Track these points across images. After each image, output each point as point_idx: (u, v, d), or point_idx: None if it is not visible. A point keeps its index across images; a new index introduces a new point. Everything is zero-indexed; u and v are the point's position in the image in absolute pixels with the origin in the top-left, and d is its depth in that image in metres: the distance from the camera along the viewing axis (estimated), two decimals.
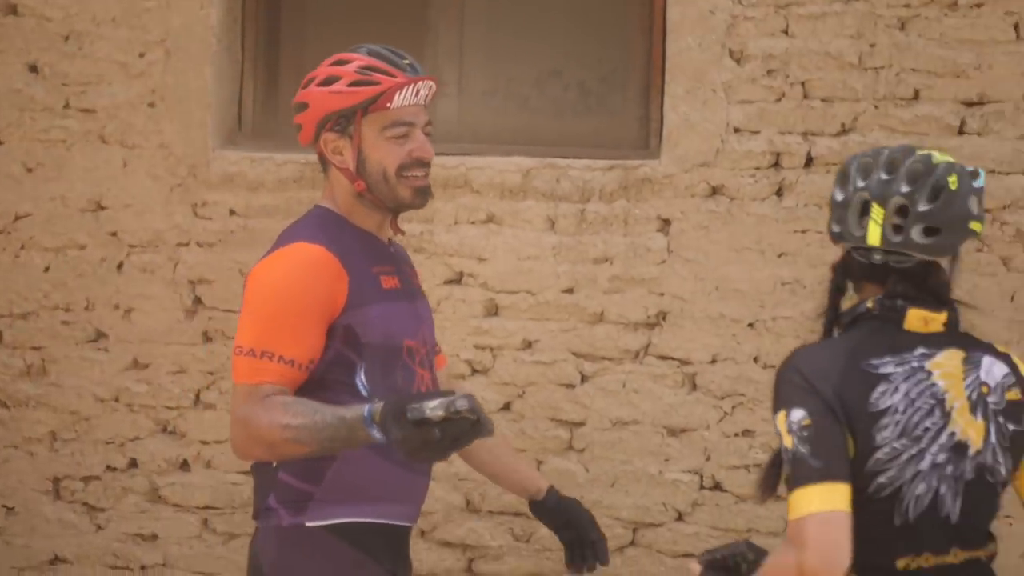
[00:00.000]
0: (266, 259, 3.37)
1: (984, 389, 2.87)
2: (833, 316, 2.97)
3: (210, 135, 5.37)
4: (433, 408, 2.99)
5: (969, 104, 5.14)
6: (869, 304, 2.91)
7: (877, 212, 2.87)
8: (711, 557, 2.94)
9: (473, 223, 5.27)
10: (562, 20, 5.46)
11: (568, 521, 3.77)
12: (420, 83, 3.38)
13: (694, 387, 5.22)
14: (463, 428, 3.00)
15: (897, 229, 2.87)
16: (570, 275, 5.24)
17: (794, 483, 2.74)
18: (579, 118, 5.44)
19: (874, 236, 2.88)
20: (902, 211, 2.88)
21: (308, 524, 3.31)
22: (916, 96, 5.14)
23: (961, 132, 5.14)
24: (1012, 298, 5.16)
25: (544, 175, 5.23)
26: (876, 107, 5.14)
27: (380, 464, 3.31)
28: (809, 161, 5.17)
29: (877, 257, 2.90)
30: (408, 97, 3.35)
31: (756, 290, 5.17)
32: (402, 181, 3.36)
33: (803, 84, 5.16)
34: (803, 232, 5.17)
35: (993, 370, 2.90)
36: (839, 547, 2.69)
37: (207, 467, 5.41)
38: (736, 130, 5.17)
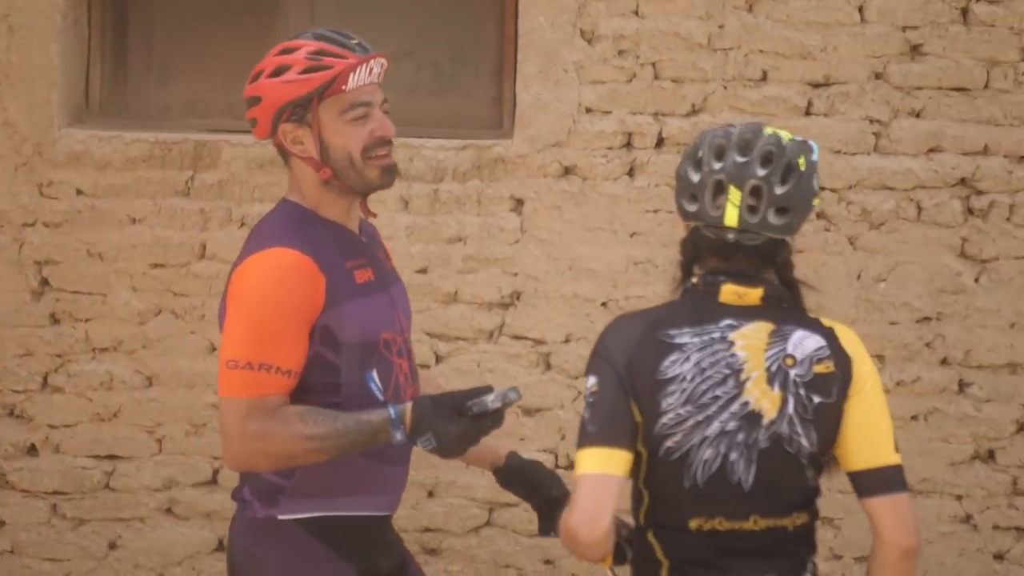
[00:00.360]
0: (245, 264, 3.26)
1: (788, 361, 2.92)
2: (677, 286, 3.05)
3: (56, 113, 5.26)
4: (492, 400, 3.11)
5: (815, 85, 5.23)
6: (695, 280, 2.98)
7: (734, 194, 2.92)
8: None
9: None
10: (414, 0, 5.45)
11: (535, 485, 3.62)
12: (372, 61, 3.30)
13: (548, 367, 5.25)
14: (498, 419, 3.13)
15: (753, 210, 2.93)
16: (424, 255, 5.24)
17: (577, 445, 2.87)
18: (432, 98, 5.43)
19: (731, 217, 2.93)
20: (757, 192, 2.94)
21: (279, 517, 3.29)
22: (764, 77, 5.22)
23: (808, 113, 5.23)
24: (859, 277, 5.27)
25: (398, 154, 5.16)
26: (725, 88, 5.20)
27: (356, 458, 3.28)
28: (660, 141, 5.22)
29: (731, 236, 2.94)
30: (362, 77, 3.27)
31: (609, 269, 5.21)
32: (368, 163, 3.29)
33: (654, 65, 5.20)
34: (655, 212, 5.22)
35: (804, 343, 2.94)
36: (602, 507, 2.81)
37: (55, 452, 5.32)
38: (588, 110, 5.20)
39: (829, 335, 2.98)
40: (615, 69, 5.19)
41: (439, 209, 5.22)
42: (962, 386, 5.31)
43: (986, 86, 5.23)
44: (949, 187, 5.25)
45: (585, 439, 2.87)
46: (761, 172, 2.94)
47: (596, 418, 2.87)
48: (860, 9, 5.20)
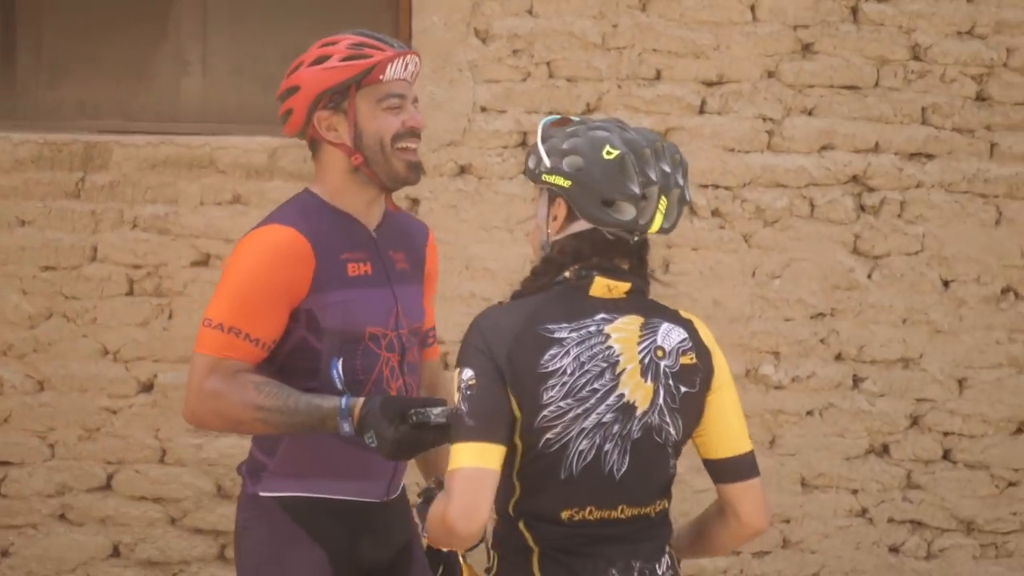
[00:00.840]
0: (245, 237, 3.39)
1: (659, 353, 2.97)
2: (545, 284, 3.02)
3: None
4: (437, 415, 3.14)
5: (709, 84, 5.26)
6: (568, 274, 2.99)
7: (663, 202, 2.96)
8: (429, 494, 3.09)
9: (219, 204, 5.19)
10: (307, 1, 5.41)
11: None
12: (408, 57, 3.41)
13: (446, 366, 5.24)
14: (441, 434, 3.14)
15: (669, 216, 2.97)
16: None
17: (453, 438, 2.88)
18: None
19: (656, 224, 2.98)
20: (680, 200, 3.00)
21: (261, 494, 3.40)
22: (658, 76, 5.24)
23: (702, 111, 5.26)
24: (753, 274, 5.31)
25: (291, 155, 5.18)
26: (619, 87, 5.22)
27: (331, 442, 3.34)
28: None
29: (635, 239, 2.97)
30: (399, 70, 3.39)
31: (505, 268, 5.21)
32: (397, 153, 3.37)
33: (548, 64, 5.21)
34: None
35: (671, 335, 3.00)
36: (480, 501, 2.84)
37: None
38: (483, 109, 5.20)
39: (689, 327, 3.04)
40: (510, 68, 5.19)
41: None
42: (856, 381, 5.37)
43: (876, 84, 5.29)
44: (841, 184, 5.31)
45: (463, 433, 2.87)
46: (680, 181, 2.99)
47: (474, 412, 2.86)
48: (752, 8, 5.24)
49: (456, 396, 2.90)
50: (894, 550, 5.44)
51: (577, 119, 3.05)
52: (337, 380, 3.30)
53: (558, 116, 3.08)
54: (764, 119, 5.26)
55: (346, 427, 3.21)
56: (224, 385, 3.25)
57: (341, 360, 3.32)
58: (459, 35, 5.17)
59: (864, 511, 5.41)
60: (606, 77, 5.21)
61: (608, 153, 2.94)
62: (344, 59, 3.37)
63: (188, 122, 5.31)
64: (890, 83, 5.29)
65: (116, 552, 5.25)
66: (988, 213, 5.35)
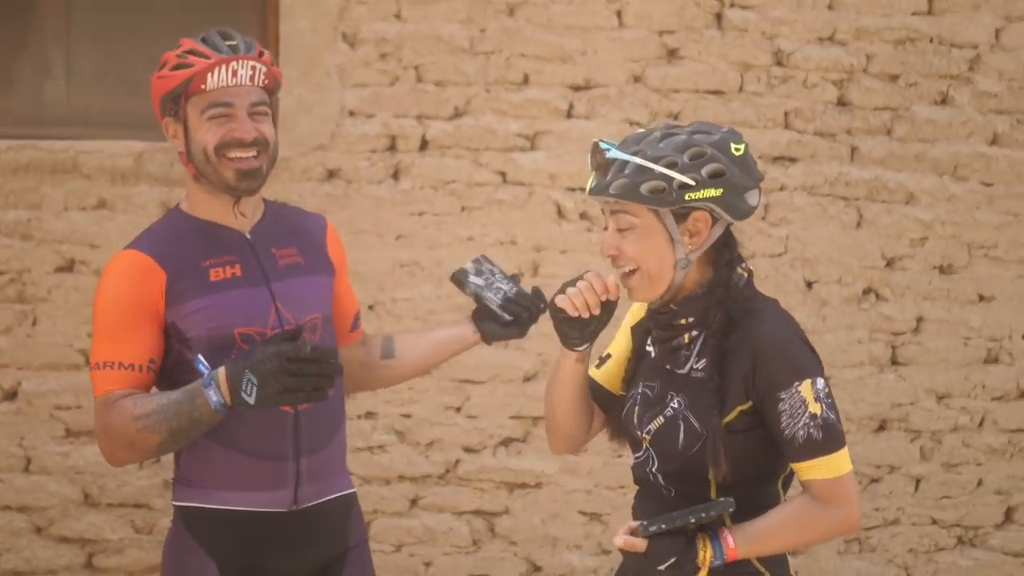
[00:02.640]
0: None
1: None
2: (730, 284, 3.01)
3: None
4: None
5: (576, 88, 5.31)
6: (740, 270, 3.02)
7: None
8: (657, 528, 2.89)
9: (84, 209, 5.13)
10: (172, 2, 5.36)
11: (512, 315, 3.59)
12: (235, 63, 3.33)
13: None
14: (325, 370, 3.11)
15: None
16: None
17: (828, 447, 2.90)
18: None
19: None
20: None
21: (173, 503, 3.42)
22: (526, 80, 5.28)
23: (569, 116, 5.30)
24: None
25: (157, 159, 5.13)
26: (488, 91, 5.25)
27: (222, 451, 3.31)
28: (424, 144, 5.24)
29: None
30: (224, 78, 3.31)
31: (375, 272, 5.21)
32: (223, 162, 3.32)
33: (416, 68, 5.22)
34: (420, 214, 5.24)
35: None
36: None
37: None
38: (351, 113, 5.20)
39: None
40: (378, 72, 5.19)
41: None
42: None
43: (740, 89, 5.37)
44: None
45: (840, 438, 2.92)
46: None
47: (840, 418, 2.93)
48: (618, 14, 5.30)
49: (817, 407, 2.89)
50: None
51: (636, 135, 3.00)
52: (204, 369, 3.25)
53: (607, 141, 3.00)
54: (631, 123, 5.31)
55: (213, 396, 3.16)
56: (109, 416, 3.26)
57: (202, 354, 3.27)
58: (327, 39, 5.16)
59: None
60: (474, 81, 5.23)
61: (736, 150, 2.97)
62: (173, 67, 3.35)
63: (52, 126, 5.24)
64: (753, 88, 5.37)
65: None
66: (849, 215, 5.45)
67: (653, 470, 3.01)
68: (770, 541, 2.93)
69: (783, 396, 2.90)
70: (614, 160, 2.93)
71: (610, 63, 5.29)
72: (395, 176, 5.23)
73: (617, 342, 3.23)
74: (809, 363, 2.94)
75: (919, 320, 5.52)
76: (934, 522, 5.58)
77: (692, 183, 2.90)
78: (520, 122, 5.25)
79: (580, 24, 5.27)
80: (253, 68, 3.36)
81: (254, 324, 3.35)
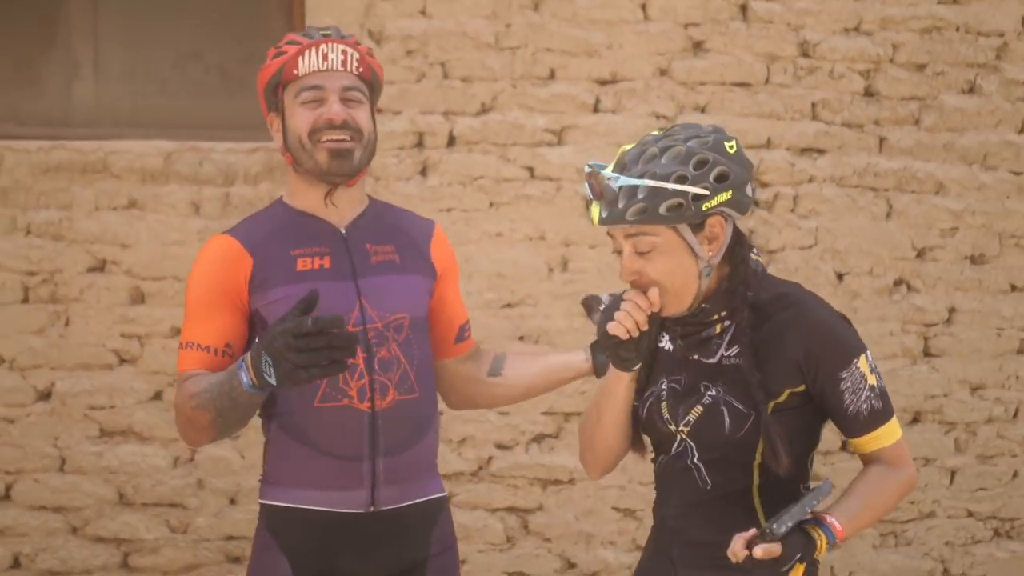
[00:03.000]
0: None
1: None
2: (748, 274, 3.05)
3: None
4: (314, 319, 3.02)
5: (602, 82, 5.31)
6: (754, 256, 3.07)
7: None
8: (787, 528, 2.88)
9: (114, 209, 5.16)
10: (200, 1, 5.40)
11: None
12: (325, 46, 3.32)
13: None
14: (336, 342, 3.00)
15: None
16: None
17: (885, 415, 2.99)
18: (221, 101, 5.39)
19: None
20: None
21: (259, 500, 3.42)
22: (552, 75, 5.29)
23: (596, 110, 5.31)
24: None
25: (186, 158, 5.17)
26: (514, 86, 5.26)
27: (299, 450, 3.30)
28: (451, 140, 5.25)
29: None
30: (314, 62, 3.31)
31: None
32: (317, 147, 3.30)
33: (442, 64, 5.24)
34: (448, 211, 5.25)
35: None
36: None
37: None
38: (378, 110, 5.17)
39: None
40: (404, 69, 5.21)
41: (231, 212, 5.17)
42: None
43: (767, 81, 5.37)
44: None
45: (892, 406, 3.02)
46: None
47: (886, 390, 3.04)
48: (643, 7, 5.30)
49: (872, 378, 2.97)
50: None
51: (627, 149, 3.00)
52: None
53: (600, 164, 3.00)
54: (657, 116, 5.31)
55: (244, 377, 3.12)
56: (178, 395, 3.30)
57: None
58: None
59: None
60: (500, 77, 5.24)
61: (730, 148, 2.97)
62: (272, 57, 3.36)
63: (81, 127, 5.28)
64: (780, 80, 5.37)
65: (16, 563, 5.19)
66: (879, 206, 5.43)
67: (694, 461, 3.02)
68: (866, 514, 3.00)
69: (844, 375, 2.95)
70: (620, 187, 2.93)
71: (636, 56, 5.30)
72: (423, 173, 5.25)
73: None
74: (857, 338, 3.00)
75: (951, 311, 5.50)
76: (970, 514, 5.55)
77: (706, 192, 2.92)
78: (547, 117, 5.26)
79: (605, 18, 5.28)
80: (344, 52, 3.34)
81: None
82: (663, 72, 5.32)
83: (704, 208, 2.92)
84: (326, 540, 3.32)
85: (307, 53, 3.31)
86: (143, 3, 5.39)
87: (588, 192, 2.99)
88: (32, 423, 5.17)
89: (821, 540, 2.88)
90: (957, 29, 5.42)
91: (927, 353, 5.50)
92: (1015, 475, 5.56)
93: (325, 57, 3.32)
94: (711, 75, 5.33)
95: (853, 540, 5.50)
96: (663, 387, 3.06)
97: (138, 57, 5.38)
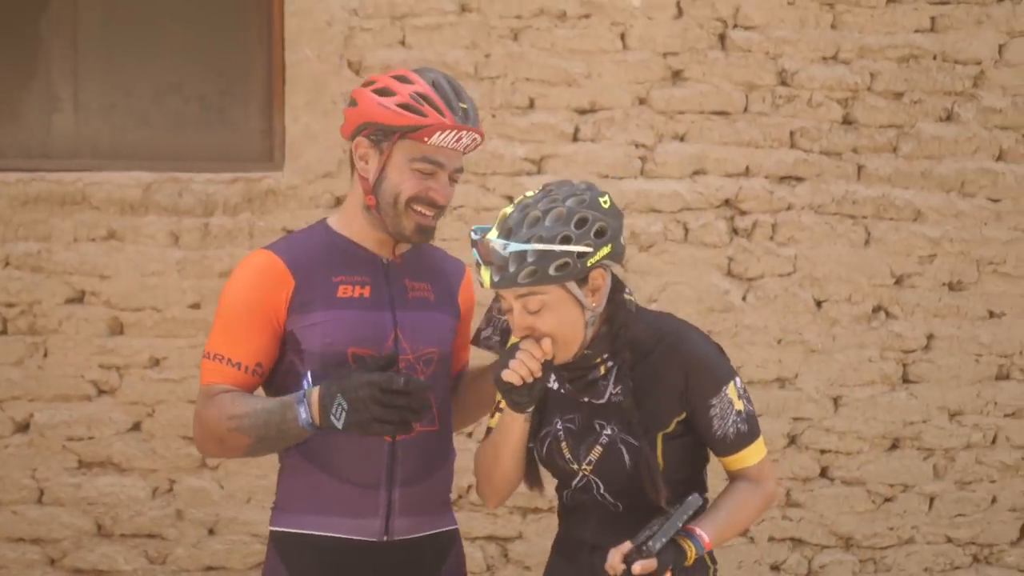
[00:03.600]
0: None
1: None
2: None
3: None
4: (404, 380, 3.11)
5: (582, 112, 5.32)
6: (627, 296, 3.25)
7: None
8: (662, 544, 3.09)
9: (93, 240, 5.15)
10: (179, 33, 5.39)
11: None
12: (464, 131, 3.32)
13: None
14: (417, 400, 3.10)
15: None
16: (196, 290, 5.18)
17: (751, 436, 3.21)
18: (201, 132, 5.38)
19: None
20: None
21: (269, 527, 3.41)
22: (531, 105, 5.29)
23: (575, 139, 5.32)
24: None
25: (166, 189, 5.15)
26: (494, 116, 5.26)
27: (315, 476, 3.31)
28: None
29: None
30: (448, 140, 3.30)
31: None
32: (409, 213, 3.31)
33: None
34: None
35: None
36: None
37: None
38: None
39: None
40: None
41: (210, 243, 5.17)
42: None
43: (745, 109, 5.39)
44: (714, 208, 5.39)
45: (758, 424, 3.24)
46: None
47: (752, 406, 3.25)
48: (622, 36, 5.31)
49: (740, 404, 3.20)
50: (775, 568, 5.51)
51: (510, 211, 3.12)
52: (306, 385, 3.23)
53: (484, 228, 3.13)
54: (637, 145, 5.32)
55: (303, 413, 3.15)
56: (207, 408, 3.27)
57: (310, 371, 3.26)
58: (332, 67, 5.18)
59: (745, 531, 5.48)
60: (480, 107, 5.24)
61: (604, 202, 3.14)
62: (401, 104, 3.29)
63: (60, 158, 5.26)
64: (759, 108, 5.38)
65: None
66: (857, 234, 5.45)
67: (602, 492, 3.22)
68: (730, 527, 3.21)
69: (714, 402, 3.19)
70: (507, 254, 3.08)
71: (615, 86, 5.31)
72: None
73: None
74: (728, 367, 3.23)
75: (929, 337, 5.52)
76: (949, 540, 5.57)
77: (589, 249, 3.10)
78: (526, 146, 5.27)
79: (584, 47, 5.29)
80: (473, 140, 3.35)
81: (371, 346, 3.32)
82: (642, 101, 5.34)
83: (588, 264, 3.10)
84: (338, 567, 3.32)
85: (448, 132, 3.29)
86: (123, 35, 5.38)
87: (477, 258, 3.13)
88: (10, 455, 5.15)
89: (691, 551, 3.09)
90: (934, 57, 5.45)
91: (906, 379, 5.52)
92: (994, 501, 5.57)
93: (458, 140, 3.32)
94: (690, 104, 5.35)
95: (832, 567, 5.51)
96: (559, 427, 3.25)
97: (118, 89, 5.36)
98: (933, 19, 5.45)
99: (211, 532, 5.24)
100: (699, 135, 5.35)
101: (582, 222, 3.09)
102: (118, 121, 5.36)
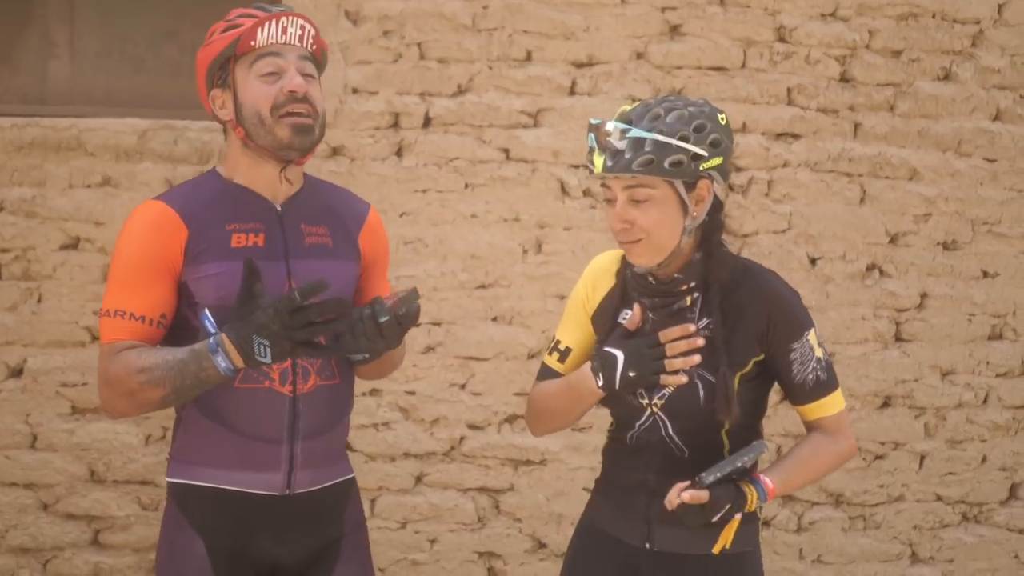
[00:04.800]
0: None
1: None
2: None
3: None
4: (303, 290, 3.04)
5: (579, 65, 5.31)
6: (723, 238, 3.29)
7: None
8: (715, 478, 3.07)
9: (88, 186, 5.14)
10: None
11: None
12: (284, 19, 3.30)
13: None
14: (326, 309, 3.03)
15: None
16: None
17: (831, 385, 3.23)
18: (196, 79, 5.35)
19: None
20: None
21: (167, 479, 3.37)
22: (528, 57, 5.28)
23: (572, 92, 5.30)
24: None
25: (161, 136, 5.15)
26: (490, 68, 5.25)
27: (216, 431, 3.28)
28: (427, 121, 5.24)
29: None
30: (273, 34, 3.27)
31: None
32: (279, 121, 3.26)
33: (419, 45, 5.22)
34: (424, 192, 5.24)
35: None
36: None
37: None
38: (355, 91, 5.20)
39: None
40: (381, 50, 5.20)
41: None
42: None
43: (743, 65, 5.37)
44: None
45: (836, 377, 3.26)
46: None
47: (832, 364, 3.27)
48: None
49: (820, 351, 3.21)
50: (765, 523, 5.53)
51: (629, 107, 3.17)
52: (209, 326, 3.19)
53: (600, 121, 3.15)
54: (633, 100, 5.31)
55: (222, 362, 3.12)
56: (112, 365, 3.21)
57: (208, 309, 3.21)
58: (330, 17, 5.17)
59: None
60: (477, 58, 5.23)
61: (722, 119, 3.18)
62: (222, 32, 3.31)
63: (55, 104, 5.25)
64: (756, 64, 5.37)
65: None
66: (853, 192, 5.45)
67: (669, 432, 3.20)
68: (798, 477, 3.21)
69: (795, 347, 3.18)
70: (627, 139, 3.09)
71: (613, 40, 5.30)
72: (399, 153, 5.24)
73: (571, 334, 3.37)
74: (807, 314, 3.23)
75: (923, 296, 5.53)
76: (939, 499, 5.59)
77: (705, 154, 3.12)
78: (523, 99, 5.26)
79: (582, 0, 5.27)
80: (302, 28, 3.32)
81: None
82: (640, 55, 5.32)
83: (700, 168, 3.13)
84: (240, 520, 3.31)
85: (266, 25, 3.27)
86: None
87: (593, 143, 3.13)
88: (3, 400, 5.16)
89: (752, 495, 3.09)
90: (933, 16, 5.43)
91: (899, 338, 5.53)
92: (984, 460, 5.59)
93: (284, 30, 3.29)
94: (687, 59, 5.34)
95: (822, 523, 5.53)
96: None
97: (114, 36, 5.35)
98: None
99: None
100: (696, 90, 5.34)
101: (701, 127, 3.12)
102: (114, 68, 5.34)
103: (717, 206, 3.22)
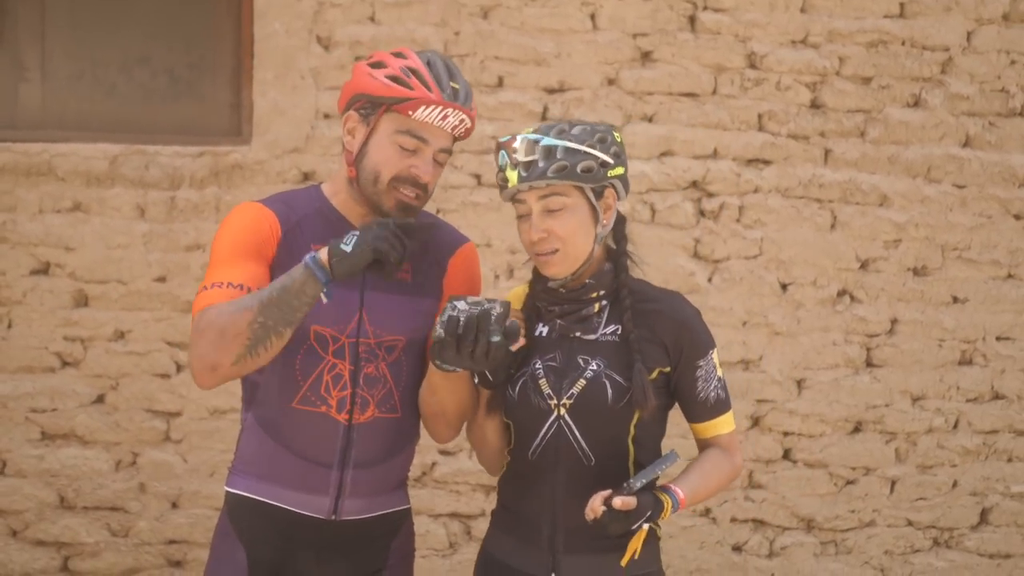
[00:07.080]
0: None
1: None
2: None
3: None
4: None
5: (551, 91, 5.32)
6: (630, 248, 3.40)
7: None
8: (641, 484, 3.13)
9: (59, 211, 5.13)
10: (148, 4, 5.36)
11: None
12: (450, 109, 3.28)
13: None
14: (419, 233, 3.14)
15: None
16: (161, 263, 5.17)
17: (727, 404, 3.34)
18: (168, 105, 5.36)
19: None
20: None
21: (224, 488, 3.44)
22: (500, 83, 5.29)
23: (544, 118, 5.32)
24: None
25: (132, 161, 5.14)
26: None
27: (272, 447, 3.31)
28: None
29: None
30: (434, 116, 3.27)
31: None
32: (391, 191, 3.28)
33: None
34: None
35: None
36: None
37: None
38: (326, 116, 5.21)
39: None
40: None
41: (176, 217, 5.16)
42: None
43: (714, 92, 5.39)
44: (681, 190, 5.40)
45: (730, 401, 3.35)
46: None
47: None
48: (592, 17, 5.32)
49: (720, 370, 3.31)
50: (737, 549, 5.53)
51: (544, 125, 3.27)
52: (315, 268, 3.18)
53: (509, 137, 3.24)
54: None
55: (320, 275, 3.12)
56: (203, 316, 3.16)
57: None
58: (301, 42, 5.17)
59: (707, 511, 5.50)
60: None
61: (618, 136, 3.29)
62: (390, 76, 3.29)
63: (26, 129, 5.24)
64: (727, 91, 5.39)
65: None
66: (823, 217, 5.47)
67: (577, 437, 3.24)
68: (704, 490, 3.29)
69: (701, 363, 3.29)
70: (539, 148, 3.20)
71: (584, 66, 5.31)
72: None
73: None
74: (710, 333, 3.35)
75: (893, 322, 5.55)
76: (909, 524, 5.60)
77: (611, 161, 3.25)
78: (495, 124, 5.27)
79: (554, 27, 5.29)
80: (461, 120, 3.32)
81: (332, 326, 3.30)
82: (611, 81, 5.34)
83: (608, 175, 3.25)
84: (284, 537, 3.35)
85: (433, 107, 3.27)
86: (91, 6, 5.35)
87: (504, 160, 3.23)
88: None
89: (667, 504, 3.16)
90: (903, 43, 5.46)
91: (869, 363, 5.55)
92: (955, 485, 5.61)
93: (444, 118, 3.29)
94: (659, 85, 5.36)
95: (793, 548, 5.53)
96: (537, 367, 3.30)
97: (85, 60, 5.34)
98: (902, 5, 5.46)
99: (174, 505, 5.24)
100: (667, 116, 5.36)
101: (604, 139, 3.25)
102: (85, 92, 5.33)
103: (621, 218, 3.34)
